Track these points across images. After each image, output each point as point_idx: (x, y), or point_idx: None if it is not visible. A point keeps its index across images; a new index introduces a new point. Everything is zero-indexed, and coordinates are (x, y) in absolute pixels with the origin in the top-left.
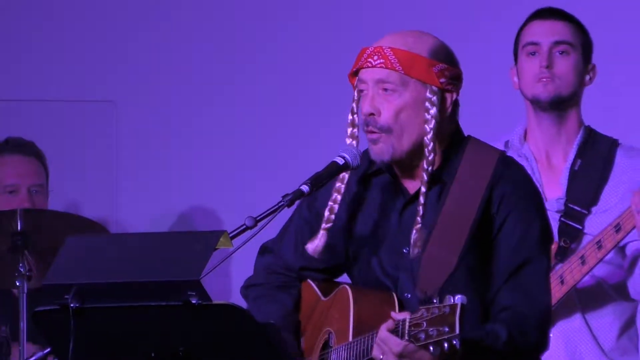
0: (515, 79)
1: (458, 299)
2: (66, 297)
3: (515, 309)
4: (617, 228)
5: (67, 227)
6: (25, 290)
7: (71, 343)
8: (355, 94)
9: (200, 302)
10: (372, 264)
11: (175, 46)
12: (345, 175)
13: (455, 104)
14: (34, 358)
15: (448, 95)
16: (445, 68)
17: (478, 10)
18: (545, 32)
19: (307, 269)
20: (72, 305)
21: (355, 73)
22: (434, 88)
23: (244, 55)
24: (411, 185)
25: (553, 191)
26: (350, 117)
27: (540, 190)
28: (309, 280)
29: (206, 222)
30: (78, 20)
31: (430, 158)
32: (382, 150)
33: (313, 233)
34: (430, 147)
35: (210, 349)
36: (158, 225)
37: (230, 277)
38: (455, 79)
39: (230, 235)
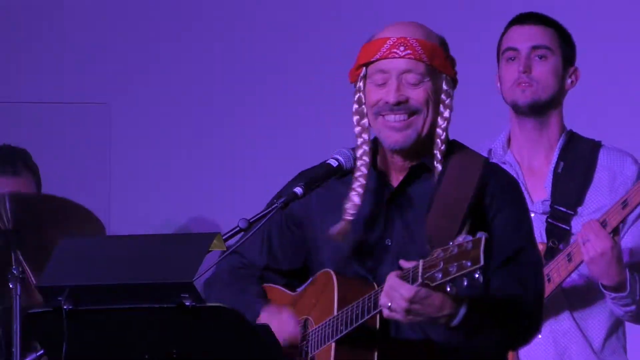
0: (498, 84)
1: (480, 234)
2: (59, 299)
3: (508, 290)
4: (603, 225)
5: (60, 215)
6: (19, 292)
7: (64, 345)
8: (361, 84)
9: (193, 304)
10: (351, 259)
11: (169, 48)
12: (364, 169)
13: None
14: None
15: (455, 87)
16: (453, 58)
17: (465, 12)
18: (523, 37)
19: (272, 269)
20: (65, 307)
21: (365, 63)
22: (449, 78)
23: (239, 58)
24: (395, 179)
25: (538, 194)
26: (356, 106)
27: (526, 194)
28: (270, 284)
29: (200, 225)
30: (72, 22)
31: (442, 148)
32: (407, 136)
33: (283, 233)
34: (442, 137)
35: (204, 351)
36: (152, 227)
37: None
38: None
39: (224, 237)
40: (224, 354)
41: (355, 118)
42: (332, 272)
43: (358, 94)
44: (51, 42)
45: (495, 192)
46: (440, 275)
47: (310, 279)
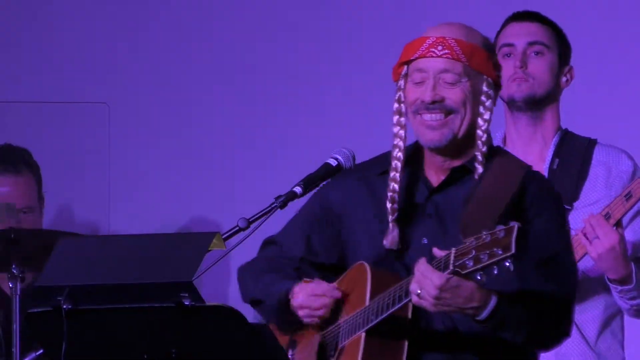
0: None
1: (513, 222)
2: (59, 298)
3: (541, 290)
4: (607, 218)
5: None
6: (18, 292)
7: (64, 345)
8: (402, 82)
9: (193, 303)
10: (387, 256)
11: (168, 48)
12: (398, 165)
13: None
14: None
15: (498, 89)
16: (497, 61)
17: (465, 13)
18: (520, 34)
19: (309, 262)
20: (65, 307)
21: (406, 62)
22: (490, 80)
23: (238, 57)
24: (434, 178)
25: None
26: (397, 105)
27: None
28: (307, 278)
29: (200, 224)
30: (70, 21)
31: (484, 150)
32: (442, 135)
33: (322, 227)
34: (484, 139)
35: (203, 351)
36: (151, 227)
37: (226, 279)
38: (500, 72)
39: (224, 236)
40: (223, 354)
41: (395, 117)
42: (366, 264)
43: (399, 93)
44: (50, 42)
45: (535, 197)
46: (471, 263)
47: (346, 271)
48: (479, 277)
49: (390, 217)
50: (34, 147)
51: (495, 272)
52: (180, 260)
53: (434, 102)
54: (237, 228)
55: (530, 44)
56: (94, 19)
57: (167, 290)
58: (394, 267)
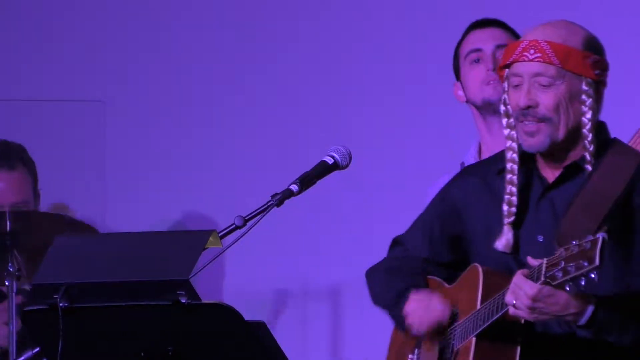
0: (460, 92)
1: (599, 234)
2: (55, 296)
3: None
4: None
5: (56, 227)
6: (15, 290)
7: (60, 343)
8: (506, 85)
9: (189, 301)
10: (504, 254)
11: (165, 45)
12: (514, 167)
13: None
14: (23, 358)
15: (601, 87)
16: (599, 59)
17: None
18: (486, 39)
19: (433, 261)
20: (61, 304)
21: (506, 65)
22: (589, 80)
23: (236, 55)
24: (550, 175)
25: None
26: (503, 108)
27: None
28: (432, 276)
29: (196, 222)
30: (67, 19)
31: (591, 149)
32: (540, 142)
33: (444, 225)
34: (589, 139)
35: (199, 349)
36: (148, 224)
37: (222, 277)
38: (605, 70)
39: (220, 234)
40: (219, 351)
41: (504, 120)
42: (479, 267)
43: (504, 95)
44: (47, 40)
45: None
46: (560, 274)
47: (462, 273)
48: (567, 288)
49: (505, 220)
50: (30, 145)
51: (583, 283)
52: (177, 258)
53: (528, 107)
54: (234, 226)
55: (499, 47)
56: (90, 18)
57: (164, 288)
58: (510, 265)
